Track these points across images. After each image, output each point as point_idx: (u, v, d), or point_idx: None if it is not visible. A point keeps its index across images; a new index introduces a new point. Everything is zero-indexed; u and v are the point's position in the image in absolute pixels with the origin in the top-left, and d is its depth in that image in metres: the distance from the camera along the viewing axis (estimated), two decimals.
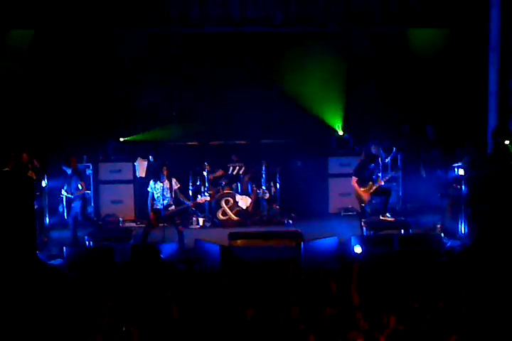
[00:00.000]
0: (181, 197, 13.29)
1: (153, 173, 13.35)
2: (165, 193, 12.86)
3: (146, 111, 16.28)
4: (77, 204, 13.36)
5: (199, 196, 14.38)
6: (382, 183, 13.58)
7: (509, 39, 13.58)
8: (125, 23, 14.30)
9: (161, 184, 12.89)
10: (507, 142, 12.68)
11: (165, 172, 12.92)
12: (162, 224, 13.00)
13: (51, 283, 10.63)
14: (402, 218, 14.27)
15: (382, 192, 13.72)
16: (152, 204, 12.95)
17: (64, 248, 12.20)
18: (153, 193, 12.93)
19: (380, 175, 13.77)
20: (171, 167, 13.22)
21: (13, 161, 13.08)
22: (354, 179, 13.62)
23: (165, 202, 12.86)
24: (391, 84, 16.47)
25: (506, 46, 13.62)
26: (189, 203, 13.57)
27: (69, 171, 13.37)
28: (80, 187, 13.30)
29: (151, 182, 13.00)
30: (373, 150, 14.72)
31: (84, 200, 13.65)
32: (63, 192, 13.48)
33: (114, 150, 15.97)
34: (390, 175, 13.83)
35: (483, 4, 14.01)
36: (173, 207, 13.02)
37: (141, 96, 16.14)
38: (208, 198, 14.27)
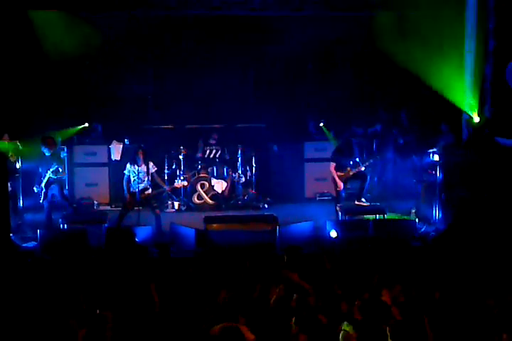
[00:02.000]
0: (159, 181, 13.28)
1: (130, 156, 13.31)
2: (141, 176, 12.84)
3: (122, 94, 16.17)
4: (55, 187, 13.23)
5: (176, 181, 14.46)
6: (362, 169, 13.67)
7: (485, 26, 13.61)
8: (102, 5, 14.13)
9: (138, 167, 12.85)
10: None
11: (141, 156, 12.87)
12: (137, 208, 12.98)
13: (25, 266, 10.60)
14: (377, 203, 14.36)
15: (358, 177, 13.79)
16: (128, 187, 12.94)
17: (38, 230, 12.13)
18: (129, 176, 12.91)
19: (358, 160, 13.81)
20: (146, 150, 13.19)
21: None
22: (332, 165, 13.71)
23: (141, 185, 12.85)
24: (367, 68, 16.50)
25: (482, 33, 13.66)
26: (166, 187, 13.63)
27: (47, 153, 13.19)
28: (60, 170, 13.15)
29: (128, 165, 12.97)
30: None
31: (62, 183, 13.54)
32: (49, 173, 13.11)
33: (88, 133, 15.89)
34: (368, 162, 13.87)
35: None
36: (149, 190, 12.99)
37: (116, 79, 16.04)
38: (186, 183, 14.33)
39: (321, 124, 16.26)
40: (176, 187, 14.07)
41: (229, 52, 16.49)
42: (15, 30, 14.30)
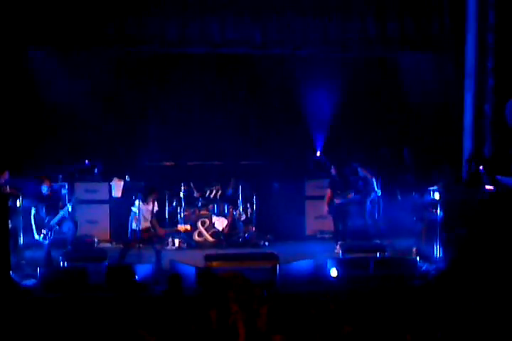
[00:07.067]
0: (154, 223, 13.17)
1: (133, 194, 13.30)
2: (146, 215, 12.81)
3: (122, 131, 16.26)
4: (69, 224, 13.28)
5: (179, 224, 14.50)
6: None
7: (484, 66, 13.76)
8: (105, 41, 14.28)
9: (146, 206, 12.84)
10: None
11: (154, 196, 12.91)
12: (138, 245, 12.96)
13: (24, 304, 10.55)
14: (378, 241, 14.33)
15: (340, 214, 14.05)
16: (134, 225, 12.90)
17: (38, 268, 12.09)
18: (135, 213, 12.86)
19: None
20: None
21: None
22: (329, 191, 13.88)
23: (146, 224, 12.81)
24: (369, 106, 16.61)
25: (481, 73, 13.81)
26: (159, 230, 13.42)
27: (45, 190, 13.21)
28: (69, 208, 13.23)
29: (138, 202, 12.86)
30: (360, 172, 14.93)
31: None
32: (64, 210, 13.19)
33: (87, 170, 15.91)
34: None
35: (460, 31, 14.22)
36: (151, 229, 12.95)
37: (117, 116, 16.13)
38: (189, 227, 14.34)
39: (318, 153, 16.43)
40: (179, 230, 14.14)
41: (230, 90, 16.64)
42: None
